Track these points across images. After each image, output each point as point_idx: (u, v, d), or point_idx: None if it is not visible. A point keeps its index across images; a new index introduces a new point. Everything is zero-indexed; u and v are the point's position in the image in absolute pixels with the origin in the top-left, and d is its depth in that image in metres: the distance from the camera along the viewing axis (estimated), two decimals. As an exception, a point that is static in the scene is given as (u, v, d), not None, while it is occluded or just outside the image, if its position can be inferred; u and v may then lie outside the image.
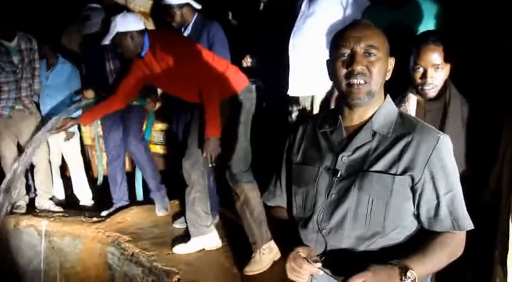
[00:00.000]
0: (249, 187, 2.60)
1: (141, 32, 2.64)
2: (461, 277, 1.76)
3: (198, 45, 2.68)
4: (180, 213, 3.29)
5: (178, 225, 3.20)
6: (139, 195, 3.67)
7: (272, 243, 2.60)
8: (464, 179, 1.61)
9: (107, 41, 2.64)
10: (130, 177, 3.71)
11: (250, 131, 2.63)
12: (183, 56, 2.56)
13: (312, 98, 2.37)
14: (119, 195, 3.57)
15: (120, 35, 2.60)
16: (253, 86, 2.68)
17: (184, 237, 2.93)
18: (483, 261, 1.77)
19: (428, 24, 2.11)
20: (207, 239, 2.81)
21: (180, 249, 2.82)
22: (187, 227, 2.89)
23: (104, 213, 3.50)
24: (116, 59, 3.25)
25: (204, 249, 2.83)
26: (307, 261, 1.10)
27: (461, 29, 2.10)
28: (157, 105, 3.50)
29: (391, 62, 1.22)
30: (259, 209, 2.58)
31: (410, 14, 2.16)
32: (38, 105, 3.75)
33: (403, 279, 1.03)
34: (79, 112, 3.44)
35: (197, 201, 2.73)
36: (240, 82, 2.65)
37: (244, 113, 2.60)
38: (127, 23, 2.60)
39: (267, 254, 2.58)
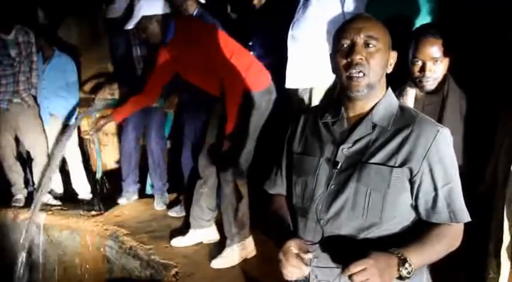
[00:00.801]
0: (244, 187, 2.58)
1: (167, 16, 2.49)
2: (456, 269, 1.77)
3: (225, 34, 2.52)
4: (176, 202, 3.34)
5: (174, 213, 3.24)
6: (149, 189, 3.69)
7: (247, 242, 2.62)
8: (461, 172, 1.63)
9: (130, 25, 2.46)
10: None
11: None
12: (209, 44, 2.43)
13: (311, 90, 2.35)
14: (130, 181, 3.56)
15: (146, 19, 2.44)
16: (273, 88, 2.56)
17: (182, 230, 2.94)
18: (477, 253, 1.78)
19: (427, 16, 2.11)
20: (206, 232, 2.82)
21: (178, 242, 2.83)
22: (184, 219, 2.89)
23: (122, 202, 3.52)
24: (143, 45, 3.16)
25: (201, 243, 2.84)
26: (297, 256, 1.11)
27: (461, 21, 2.10)
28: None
29: (393, 55, 1.22)
30: (245, 209, 2.59)
31: (410, 7, 2.16)
32: (35, 98, 3.75)
33: (400, 269, 1.04)
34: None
35: (204, 197, 2.72)
36: (262, 81, 2.52)
37: (258, 114, 2.50)
38: (153, 6, 2.44)
39: (238, 250, 2.58)
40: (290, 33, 2.36)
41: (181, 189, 3.34)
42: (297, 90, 2.42)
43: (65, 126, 3.80)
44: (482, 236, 1.74)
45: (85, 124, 4.10)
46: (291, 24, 2.37)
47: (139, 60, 3.23)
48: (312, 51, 2.28)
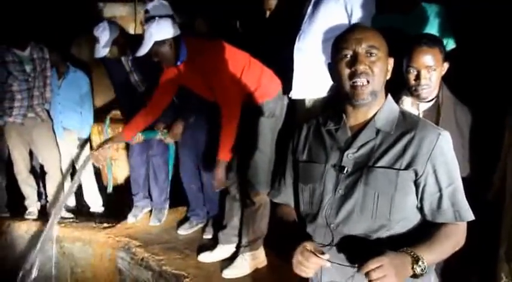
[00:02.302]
0: (264, 196, 2.52)
1: (178, 38, 2.49)
2: (467, 275, 1.78)
3: (234, 49, 2.51)
4: (184, 219, 3.32)
5: (183, 231, 3.20)
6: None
7: (258, 252, 2.63)
8: (462, 178, 1.66)
9: (142, 52, 2.44)
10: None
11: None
12: (220, 64, 2.43)
13: (317, 100, 2.37)
14: (140, 196, 3.54)
15: (157, 44, 2.43)
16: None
17: (207, 245, 2.94)
18: (488, 259, 1.79)
19: (431, 31, 2.14)
20: (233, 247, 2.78)
21: (206, 257, 2.79)
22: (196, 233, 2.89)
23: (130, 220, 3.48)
24: (136, 70, 3.19)
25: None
26: (314, 254, 1.14)
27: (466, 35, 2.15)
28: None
29: (391, 62, 1.28)
30: (266, 220, 2.60)
31: (415, 21, 2.21)
32: (48, 113, 3.83)
33: (415, 267, 1.08)
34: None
35: (236, 211, 2.73)
36: (273, 88, 2.55)
37: (273, 120, 2.53)
38: (163, 31, 2.43)
39: (249, 260, 2.60)
40: (296, 45, 2.40)
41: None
42: (303, 100, 2.46)
43: (79, 140, 3.90)
44: (492, 241, 1.75)
45: (96, 139, 4.18)
46: (298, 36, 2.41)
47: (138, 84, 3.24)
48: (318, 63, 2.32)
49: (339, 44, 1.24)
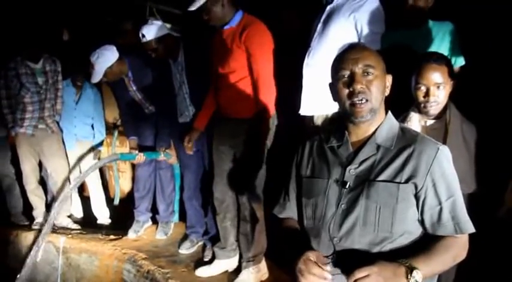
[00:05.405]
0: (261, 210, 2.57)
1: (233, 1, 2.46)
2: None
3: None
4: (184, 237, 3.29)
5: (184, 250, 3.17)
6: (176, 216, 3.62)
7: (261, 265, 2.64)
8: (470, 195, 1.65)
9: (196, 6, 2.40)
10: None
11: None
12: (263, 46, 2.41)
13: (326, 117, 2.38)
14: (142, 209, 3.55)
15: (211, 1, 2.40)
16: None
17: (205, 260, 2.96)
18: (500, 280, 1.76)
19: (440, 48, 2.16)
20: (231, 261, 2.79)
21: (203, 271, 2.79)
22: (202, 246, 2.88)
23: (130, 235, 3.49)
24: (139, 90, 3.24)
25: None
26: (317, 265, 1.16)
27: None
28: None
29: (389, 79, 1.32)
30: (264, 234, 2.61)
31: (424, 37, 2.22)
32: (58, 124, 3.86)
33: (409, 277, 1.09)
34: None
35: (229, 230, 2.74)
36: (273, 105, 2.53)
37: (270, 136, 2.53)
38: None
39: (255, 273, 2.61)
40: (305, 61, 2.42)
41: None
42: (312, 117, 2.46)
43: (91, 149, 3.96)
44: (505, 261, 1.73)
45: (104, 151, 4.21)
46: (307, 53, 2.43)
47: (143, 102, 3.29)
48: (327, 79, 2.31)
49: (337, 65, 1.30)
